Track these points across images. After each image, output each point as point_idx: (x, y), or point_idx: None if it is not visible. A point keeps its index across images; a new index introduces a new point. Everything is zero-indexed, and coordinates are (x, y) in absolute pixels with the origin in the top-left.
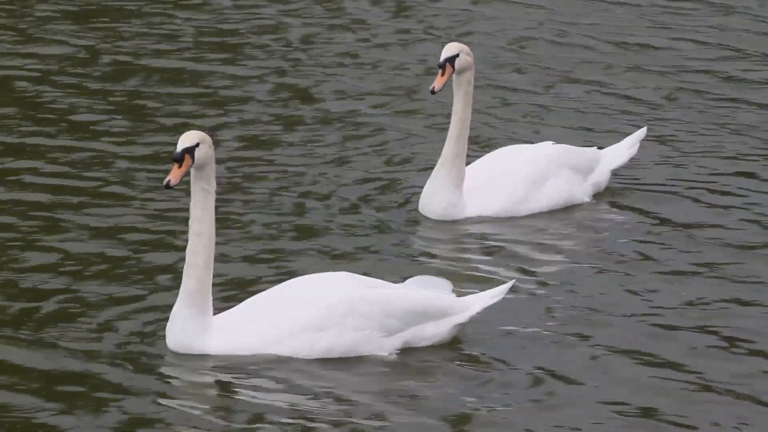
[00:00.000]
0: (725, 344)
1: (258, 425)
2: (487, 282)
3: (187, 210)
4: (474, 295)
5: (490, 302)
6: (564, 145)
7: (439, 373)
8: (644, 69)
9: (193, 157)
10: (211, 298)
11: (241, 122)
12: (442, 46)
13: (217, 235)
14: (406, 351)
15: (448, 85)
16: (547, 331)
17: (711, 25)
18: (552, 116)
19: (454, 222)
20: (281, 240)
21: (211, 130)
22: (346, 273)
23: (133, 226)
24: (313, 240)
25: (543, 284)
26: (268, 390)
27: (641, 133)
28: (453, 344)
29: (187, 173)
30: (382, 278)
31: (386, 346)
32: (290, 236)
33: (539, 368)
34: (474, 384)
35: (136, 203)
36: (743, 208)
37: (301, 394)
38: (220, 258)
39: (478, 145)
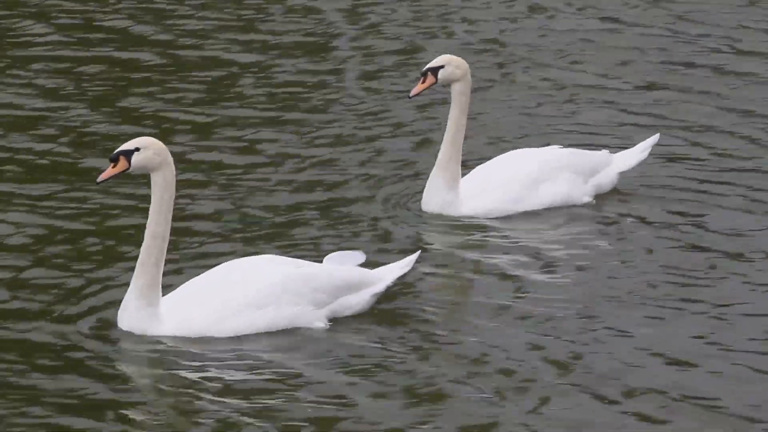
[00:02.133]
0: (721, 346)
1: (209, 401)
2: (474, 272)
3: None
4: (386, 266)
5: (401, 272)
6: (570, 149)
7: (373, 336)
8: (659, 80)
9: (129, 161)
10: (161, 289)
11: (236, 118)
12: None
13: (214, 222)
14: (335, 320)
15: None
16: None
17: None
18: (566, 123)
19: (450, 218)
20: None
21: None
22: (272, 255)
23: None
24: (306, 230)
25: (523, 277)
26: (217, 367)
27: (654, 139)
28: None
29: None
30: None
31: (318, 318)
32: (301, 223)
33: (482, 341)
34: (406, 346)
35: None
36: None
37: (248, 369)
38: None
39: (493, 146)
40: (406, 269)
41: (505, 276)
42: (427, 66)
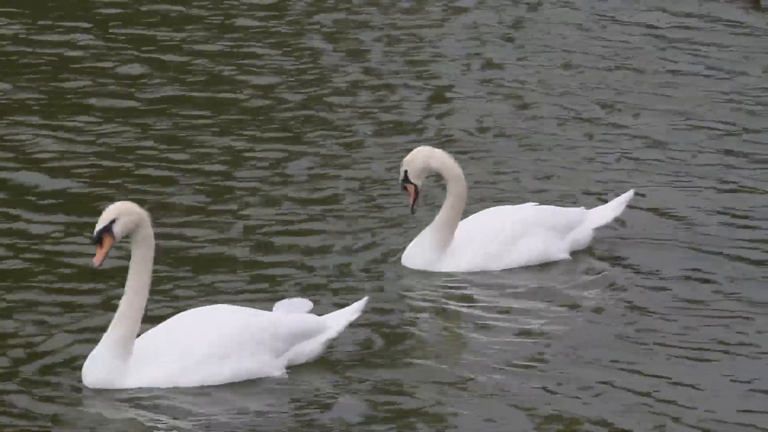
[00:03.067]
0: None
1: None
2: (453, 325)
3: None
4: (335, 312)
5: (352, 317)
6: (546, 206)
7: (338, 385)
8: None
9: (113, 235)
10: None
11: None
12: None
13: (201, 267)
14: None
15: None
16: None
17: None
18: (539, 177)
19: (431, 274)
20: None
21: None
22: (225, 305)
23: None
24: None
25: (499, 330)
26: (184, 418)
27: (628, 195)
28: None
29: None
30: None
31: (277, 367)
32: (261, 267)
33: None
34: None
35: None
36: (729, 256)
37: (213, 420)
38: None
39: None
40: (356, 315)
41: (478, 326)
42: (400, 178)
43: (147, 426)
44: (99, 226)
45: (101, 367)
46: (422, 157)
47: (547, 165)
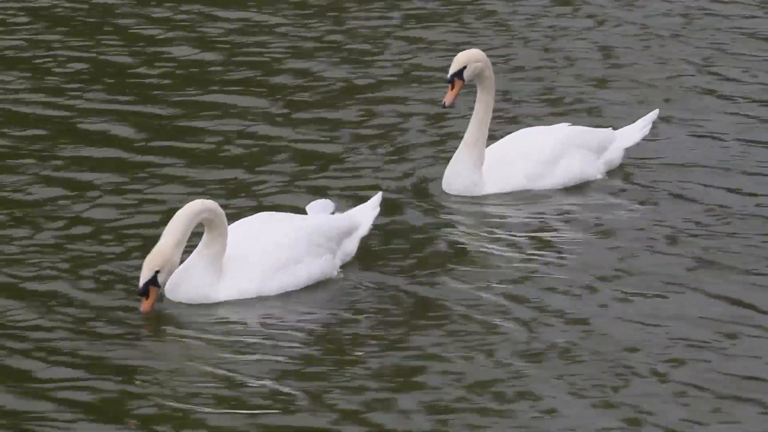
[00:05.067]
0: (729, 313)
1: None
2: (501, 255)
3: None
4: (355, 210)
5: (375, 213)
6: (579, 127)
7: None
8: (661, 55)
9: (157, 284)
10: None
11: (268, 91)
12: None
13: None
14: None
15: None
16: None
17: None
18: (568, 99)
19: (474, 198)
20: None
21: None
22: (269, 213)
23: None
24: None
25: (553, 256)
26: (275, 324)
27: (653, 114)
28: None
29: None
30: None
31: (336, 267)
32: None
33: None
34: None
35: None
36: (753, 189)
37: (304, 323)
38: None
39: (501, 121)
40: (377, 210)
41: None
42: (451, 72)
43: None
44: (145, 279)
45: (194, 281)
46: (484, 61)
47: (567, 85)
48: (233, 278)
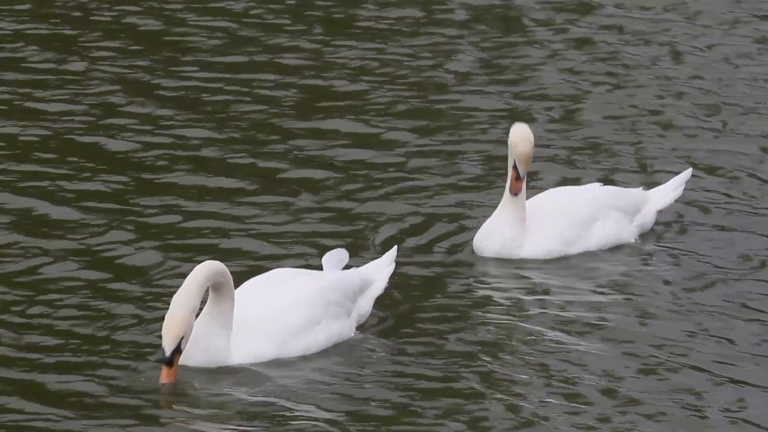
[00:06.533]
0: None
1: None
2: (540, 317)
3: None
4: (368, 265)
5: (390, 269)
6: (611, 187)
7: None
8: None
9: (180, 352)
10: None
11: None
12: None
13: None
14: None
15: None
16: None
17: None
18: (601, 155)
19: (509, 260)
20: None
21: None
22: (283, 269)
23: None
24: None
25: (589, 324)
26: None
27: (686, 174)
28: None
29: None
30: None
31: (352, 328)
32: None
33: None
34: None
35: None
36: None
37: (317, 390)
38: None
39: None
40: (392, 266)
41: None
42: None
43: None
44: (168, 351)
45: (207, 345)
46: (529, 145)
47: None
48: (248, 342)
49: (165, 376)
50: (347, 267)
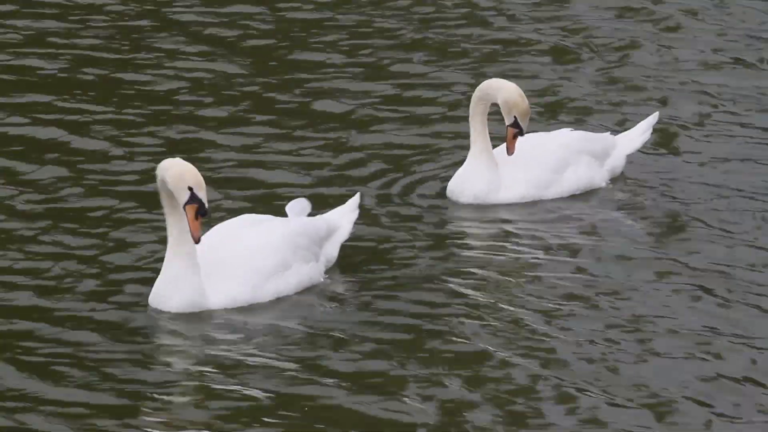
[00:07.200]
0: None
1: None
2: (514, 263)
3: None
4: (332, 212)
5: (354, 215)
6: (582, 132)
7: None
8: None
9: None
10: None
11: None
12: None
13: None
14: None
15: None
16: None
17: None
18: (566, 99)
19: (483, 206)
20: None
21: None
22: (250, 215)
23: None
24: None
25: (563, 263)
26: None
27: (653, 118)
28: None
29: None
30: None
31: (321, 272)
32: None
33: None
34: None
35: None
36: (747, 192)
37: (291, 332)
38: None
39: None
40: (355, 213)
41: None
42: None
43: (231, 343)
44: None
45: (179, 288)
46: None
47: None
48: (223, 285)
49: (199, 227)
50: (311, 215)
